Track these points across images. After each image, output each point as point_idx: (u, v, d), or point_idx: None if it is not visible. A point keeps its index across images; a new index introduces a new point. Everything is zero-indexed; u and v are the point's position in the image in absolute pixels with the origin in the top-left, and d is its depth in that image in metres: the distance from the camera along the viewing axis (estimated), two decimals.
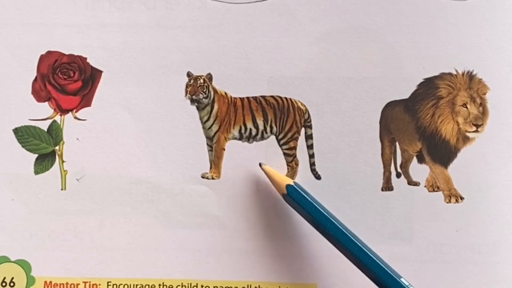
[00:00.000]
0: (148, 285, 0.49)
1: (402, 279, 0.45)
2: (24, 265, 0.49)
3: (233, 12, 0.50)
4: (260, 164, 0.48)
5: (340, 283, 0.48)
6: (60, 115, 0.50)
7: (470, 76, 0.49)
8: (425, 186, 0.49)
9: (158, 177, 0.49)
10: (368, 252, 0.45)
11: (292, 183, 0.47)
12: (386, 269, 0.45)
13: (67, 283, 0.49)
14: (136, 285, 0.49)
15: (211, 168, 0.49)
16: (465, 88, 0.49)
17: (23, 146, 0.50)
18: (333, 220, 0.46)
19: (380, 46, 0.49)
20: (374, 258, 0.45)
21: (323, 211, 0.46)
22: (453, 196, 0.49)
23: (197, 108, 0.50)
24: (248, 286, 0.49)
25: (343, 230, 0.46)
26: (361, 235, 0.47)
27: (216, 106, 0.50)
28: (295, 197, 0.46)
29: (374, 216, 0.49)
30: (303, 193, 0.47)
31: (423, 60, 0.49)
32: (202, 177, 0.49)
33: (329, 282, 0.48)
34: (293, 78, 0.49)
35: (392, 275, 0.44)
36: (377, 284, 0.45)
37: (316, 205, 0.46)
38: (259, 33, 0.50)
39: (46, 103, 0.50)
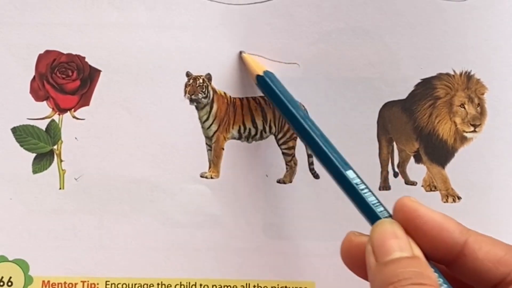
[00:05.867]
0: (147, 285, 0.49)
1: (348, 171, 0.42)
2: (22, 264, 0.49)
3: (232, 13, 0.50)
4: (240, 52, 0.49)
5: (339, 281, 0.49)
6: (59, 114, 0.50)
7: (468, 76, 0.50)
8: (422, 186, 0.50)
9: (157, 176, 0.49)
10: (328, 146, 0.44)
11: (262, 74, 0.47)
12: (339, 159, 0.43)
13: (65, 283, 0.49)
14: (135, 285, 0.49)
15: (210, 167, 0.50)
16: (463, 88, 0.50)
17: (21, 145, 0.50)
18: (296, 114, 0.45)
19: (378, 47, 0.50)
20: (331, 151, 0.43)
21: (287, 104, 0.46)
22: (450, 196, 0.49)
23: (196, 108, 0.50)
24: (246, 284, 0.49)
25: (307, 122, 0.45)
26: None
27: (215, 106, 0.50)
28: (263, 87, 0.47)
29: None
30: (271, 84, 0.47)
31: (421, 60, 0.50)
32: (201, 176, 0.49)
33: (328, 280, 0.49)
34: (292, 79, 0.50)
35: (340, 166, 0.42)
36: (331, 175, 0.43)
37: (282, 97, 0.46)
38: (258, 33, 0.50)
39: (45, 102, 0.50)
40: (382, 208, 0.40)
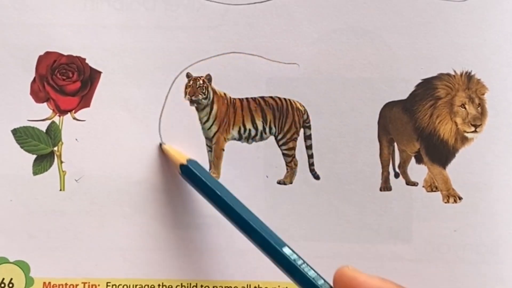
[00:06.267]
0: (148, 285, 0.49)
1: (284, 248, 0.43)
2: (23, 266, 0.49)
3: (232, 13, 0.50)
4: (160, 144, 0.49)
5: None
6: (59, 115, 0.50)
7: (469, 76, 0.49)
8: (423, 186, 0.50)
9: (157, 177, 0.49)
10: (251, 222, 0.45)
11: (185, 163, 0.47)
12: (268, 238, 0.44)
13: (66, 284, 0.49)
14: (136, 285, 0.49)
15: (210, 168, 0.50)
16: (464, 89, 0.50)
17: (21, 147, 0.50)
18: (225, 199, 0.46)
19: (378, 47, 0.50)
20: (254, 225, 0.45)
21: (215, 190, 0.46)
22: (451, 196, 0.49)
23: (197, 109, 0.50)
24: (247, 285, 0.49)
25: (237, 206, 0.46)
26: (360, 235, 0.48)
27: (215, 107, 0.50)
28: (188, 176, 0.47)
29: (372, 216, 0.49)
30: (196, 172, 0.47)
31: (421, 60, 0.49)
32: None
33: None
34: (292, 79, 0.50)
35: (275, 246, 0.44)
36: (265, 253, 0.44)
37: (209, 184, 0.46)
38: (257, 34, 0.50)
39: (45, 103, 0.50)
40: (322, 281, 0.41)
